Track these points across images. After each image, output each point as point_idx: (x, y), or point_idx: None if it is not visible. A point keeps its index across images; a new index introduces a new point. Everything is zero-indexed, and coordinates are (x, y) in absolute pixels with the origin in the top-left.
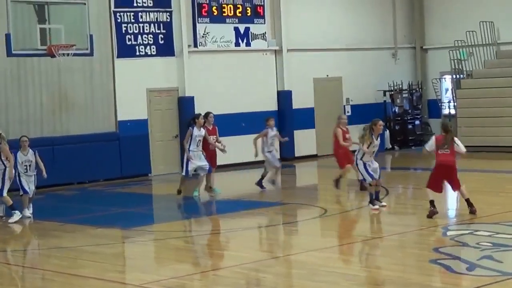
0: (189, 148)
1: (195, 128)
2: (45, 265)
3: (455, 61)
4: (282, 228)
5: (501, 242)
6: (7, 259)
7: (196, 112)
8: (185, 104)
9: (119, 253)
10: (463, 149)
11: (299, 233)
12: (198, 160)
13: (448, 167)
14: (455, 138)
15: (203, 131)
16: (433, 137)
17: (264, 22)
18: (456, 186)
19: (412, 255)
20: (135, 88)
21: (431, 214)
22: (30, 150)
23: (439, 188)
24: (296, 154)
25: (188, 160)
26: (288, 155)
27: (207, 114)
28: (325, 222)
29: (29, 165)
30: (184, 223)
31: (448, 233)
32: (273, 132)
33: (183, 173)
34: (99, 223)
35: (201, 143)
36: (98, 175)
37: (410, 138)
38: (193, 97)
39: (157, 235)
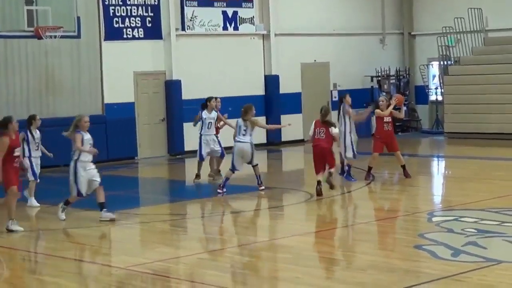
0: (200, 132)
1: (205, 111)
2: (32, 247)
3: (443, 47)
4: (268, 212)
5: (486, 229)
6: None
7: (183, 96)
8: (172, 88)
9: (105, 236)
10: (335, 132)
11: (284, 217)
12: (212, 144)
13: (322, 149)
14: (331, 123)
15: (214, 114)
16: (314, 122)
17: (252, 6)
18: (331, 165)
19: (397, 241)
20: (122, 71)
21: (318, 193)
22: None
23: (318, 170)
24: (283, 139)
25: (201, 144)
26: (274, 140)
27: (209, 99)
28: (311, 207)
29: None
30: (170, 207)
31: (434, 219)
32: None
33: (198, 158)
34: (86, 205)
35: (212, 126)
36: None
37: (396, 124)
38: (180, 80)
39: (143, 218)
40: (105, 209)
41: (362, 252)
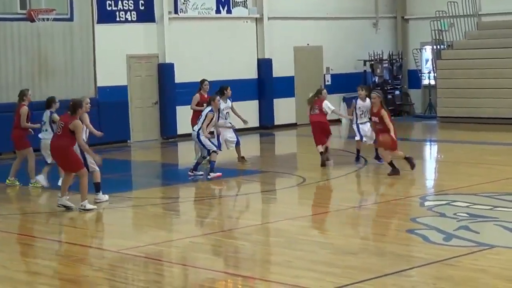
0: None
1: (221, 100)
2: (24, 230)
3: (436, 31)
4: (261, 196)
5: (478, 213)
6: None
7: (176, 79)
8: (165, 71)
9: (98, 219)
10: (327, 109)
11: (277, 201)
12: (228, 133)
13: (318, 122)
14: (325, 101)
15: (229, 103)
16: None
17: None
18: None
19: (389, 225)
20: (115, 54)
21: (323, 162)
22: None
23: (318, 142)
24: (276, 123)
25: (218, 134)
26: (267, 123)
27: (202, 81)
28: (303, 191)
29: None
30: (163, 190)
31: (426, 203)
32: None
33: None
34: (78, 189)
35: (229, 115)
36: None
37: (389, 108)
38: (173, 64)
39: (135, 202)
40: (100, 191)
41: (353, 236)
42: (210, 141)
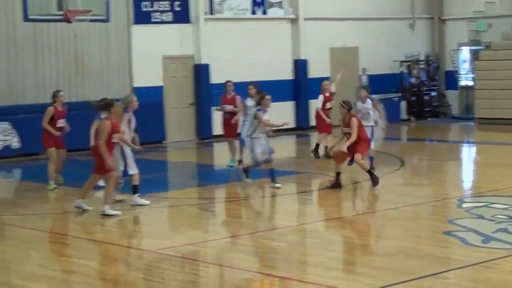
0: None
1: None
2: (62, 230)
3: (473, 32)
4: (297, 197)
5: None
6: (25, 223)
7: (211, 80)
8: (200, 72)
9: (135, 219)
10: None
11: (313, 202)
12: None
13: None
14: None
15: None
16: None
17: None
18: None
19: (426, 227)
20: (150, 55)
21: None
22: None
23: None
24: (311, 124)
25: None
26: (303, 125)
27: (225, 83)
28: (339, 192)
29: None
30: (198, 190)
31: (464, 205)
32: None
33: (240, 143)
34: (115, 189)
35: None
36: None
37: (426, 109)
38: (208, 64)
39: (171, 202)
40: (138, 194)
41: (390, 238)
42: (255, 150)
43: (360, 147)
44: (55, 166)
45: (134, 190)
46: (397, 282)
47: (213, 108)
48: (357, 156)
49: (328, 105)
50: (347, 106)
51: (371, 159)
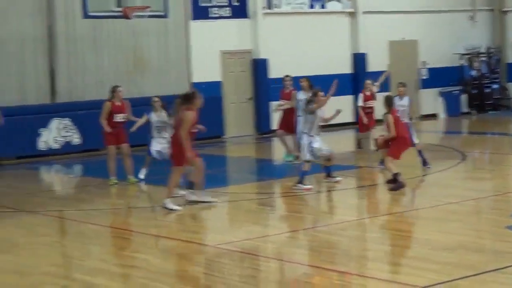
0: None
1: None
2: (122, 224)
3: None
4: (356, 191)
5: None
6: (87, 218)
7: (270, 74)
8: (258, 67)
9: (194, 214)
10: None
11: (372, 196)
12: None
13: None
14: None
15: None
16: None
17: None
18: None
19: (487, 221)
20: (209, 50)
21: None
22: (163, 111)
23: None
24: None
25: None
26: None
27: (283, 77)
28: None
29: (162, 127)
30: (258, 185)
31: None
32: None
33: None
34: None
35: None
36: None
37: (487, 102)
38: (266, 59)
39: (231, 197)
40: (191, 190)
41: (451, 232)
42: (308, 146)
43: (392, 148)
44: (128, 166)
45: (190, 186)
46: (459, 277)
47: (271, 102)
48: (386, 159)
49: (368, 104)
50: (386, 102)
51: (420, 153)
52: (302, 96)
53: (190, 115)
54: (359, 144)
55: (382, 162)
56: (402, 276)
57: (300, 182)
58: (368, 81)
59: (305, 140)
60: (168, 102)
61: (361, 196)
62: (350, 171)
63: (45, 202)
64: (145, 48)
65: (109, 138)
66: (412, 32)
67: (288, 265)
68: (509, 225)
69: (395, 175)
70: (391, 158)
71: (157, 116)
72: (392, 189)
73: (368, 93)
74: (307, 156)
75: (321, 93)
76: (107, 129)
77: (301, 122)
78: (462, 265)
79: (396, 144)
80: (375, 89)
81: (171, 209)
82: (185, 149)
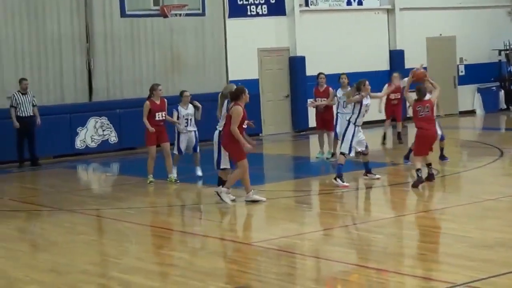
0: (337, 111)
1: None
2: (157, 223)
3: None
4: (393, 189)
5: None
6: (122, 216)
7: (307, 72)
8: (296, 64)
9: (231, 212)
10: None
11: (410, 194)
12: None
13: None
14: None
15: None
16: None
17: None
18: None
19: None
20: (246, 48)
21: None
22: (189, 105)
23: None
24: (409, 114)
25: (337, 122)
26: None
27: (317, 75)
28: (437, 183)
29: (190, 119)
30: (295, 183)
31: None
32: None
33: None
34: (211, 182)
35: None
36: (209, 135)
37: None
38: (304, 57)
39: (268, 195)
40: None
41: (489, 229)
42: (354, 137)
43: (415, 144)
44: (169, 165)
45: (223, 183)
46: (497, 274)
47: (308, 100)
48: (412, 155)
49: (393, 96)
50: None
51: (442, 137)
52: (340, 93)
53: (239, 110)
54: (383, 139)
55: (407, 158)
56: (440, 273)
57: (339, 177)
58: (395, 74)
59: (351, 131)
60: (205, 100)
61: (397, 193)
62: (385, 168)
63: (83, 200)
64: (182, 46)
65: (151, 138)
66: (449, 29)
67: (325, 263)
68: None
69: (416, 171)
70: (415, 155)
71: (185, 109)
72: (412, 186)
73: (392, 86)
74: (350, 148)
75: (367, 82)
76: (150, 128)
77: (342, 116)
78: (500, 262)
79: (416, 140)
80: (402, 84)
81: (258, 200)
82: (240, 142)
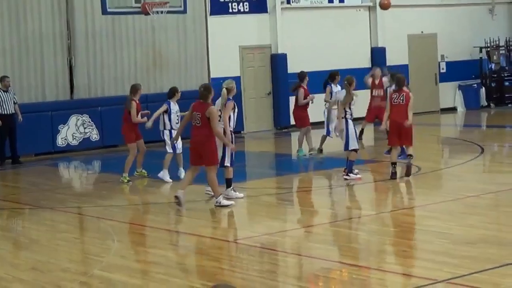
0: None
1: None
2: (141, 221)
3: None
4: (375, 186)
5: None
6: (104, 214)
7: (289, 69)
8: (277, 61)
9: (212, 210)
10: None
11: (393, 191)
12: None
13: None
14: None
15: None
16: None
17: None
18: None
19: (507, 214)
20: (227, 46)
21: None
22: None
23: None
24: None
25: (329, 119)
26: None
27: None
28: (419, 180)
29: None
30: (276, 180)
31: None
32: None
33: (325, 133)
34: (197, 181)
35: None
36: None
37: (506, 95)
38: (285, 54)
39: (249, 192)
40: (231, 188)
41: (471, 226)
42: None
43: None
44: (140, 160)
45: (228, 183)
46: (479, 270)
47: (290, 97)
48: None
49: (374, 93)
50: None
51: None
52: (335, 88)
53: (215, 110)
54: (360, 134)
55: (388, 151)
56: (421, 270)
57: (350, 171)
58: (378, 70)
59: (351, 127)
60: (187, 98)
61: (379, 190)
62: (368, 165)
63: (64, 198)
64: (164, 43)
65: (131, 137)
66: (431, 26)
67: (307, 260)
68: None
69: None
70: (388, 144)
71: (177, 106)
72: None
73: (376, 82)
74: (356, 144)
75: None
76: (149, 123)
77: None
78: (481, 259)
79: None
80: (381, 81)
81: (227, 205)
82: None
